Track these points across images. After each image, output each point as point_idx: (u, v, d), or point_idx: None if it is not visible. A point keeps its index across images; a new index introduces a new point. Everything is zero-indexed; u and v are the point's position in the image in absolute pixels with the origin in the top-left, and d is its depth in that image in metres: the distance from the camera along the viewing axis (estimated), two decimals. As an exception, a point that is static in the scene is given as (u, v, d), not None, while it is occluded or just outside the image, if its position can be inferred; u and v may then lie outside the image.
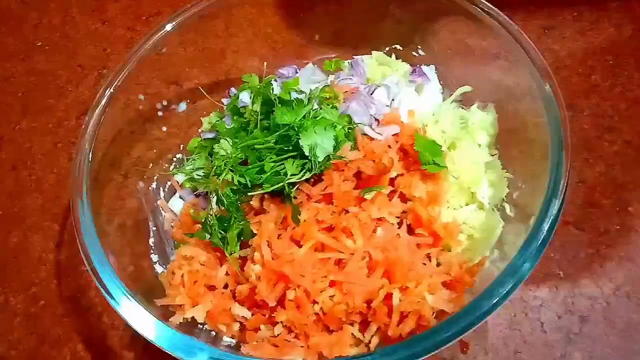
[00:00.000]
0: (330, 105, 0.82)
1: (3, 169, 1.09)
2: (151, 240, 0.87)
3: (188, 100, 0.98)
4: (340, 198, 0.75)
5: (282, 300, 0.72)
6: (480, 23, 0.83)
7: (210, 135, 0.91)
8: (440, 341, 0.60)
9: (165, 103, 0.95)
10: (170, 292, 0.76)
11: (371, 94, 0.88)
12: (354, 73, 0.94)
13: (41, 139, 1.12)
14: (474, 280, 0.72)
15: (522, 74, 0.78)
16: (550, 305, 0.82)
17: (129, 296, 0.69)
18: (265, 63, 0.94)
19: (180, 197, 0.90)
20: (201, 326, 0.77)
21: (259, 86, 0.85)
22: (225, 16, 0.98)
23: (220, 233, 0.76)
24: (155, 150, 0.94)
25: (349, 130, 0.81)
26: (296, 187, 0.76)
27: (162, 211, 0.91)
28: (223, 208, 0.78)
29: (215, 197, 0.80)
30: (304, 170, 0.76)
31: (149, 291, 0.75)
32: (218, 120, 0.92)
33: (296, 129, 0.77)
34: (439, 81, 0.94)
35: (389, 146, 0.80)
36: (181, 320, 0.73)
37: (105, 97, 0.84)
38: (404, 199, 0.79)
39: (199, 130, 0.98)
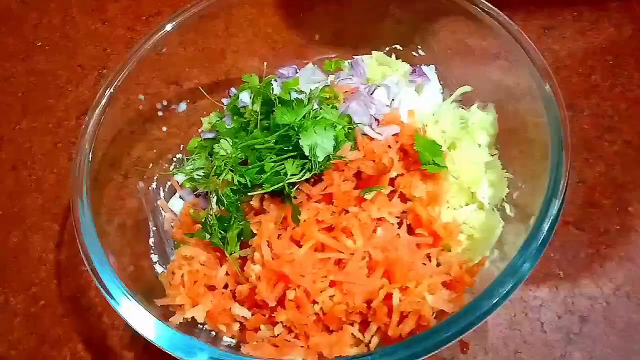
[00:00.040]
0: (330, 105, 0.82)
1: (3, 169, 1.09)
2: (151, 240, 0.87)
3: (188, 100, 0.98)
4: (340, 198, 0.75)
5: (282, 300, 0.72)
6: (480, 23, 0.83)
7: (210, 135, 0.91)
8: (440, 341, 0.60)
9: (165, 103, 0.95)
10: (170, 292, 0.76)
11: (371, 94, 0.88)
12: (354, 73, 0.94)
13: (41, 139, 1.12)
14: (474, 280, 0.72)
15: (522, 74, 0.78)
16: (550, 305, 0.82)
17: (129, 296, 0.69)
18: (265, 63, 0.94)
19: (180, 197, 0.90)
20: (201, 326, 0.77)
21: (259, 86, 0.85)
22: (225, 16, 0.98)
23: (220, 233, 0.76)
24: (155, 150, 0.94)
25: (349, 130, 0.81)
26: (296, 187, 0.76)
27: (162, 211, 0.91)
28: (223, 208, 0.78)
29: (215, 197, 0.80)
30: (304, 170, 0.76)
31: (149, 291, 0.75)
32: (218, 120, 0.92)
33: (296, 129, 0.77)
34: (439, 81, 0.94)
35: (389, 146, 0.80)
36: (181, 320, 0.73)
37: (105, 97, 0.84)
38: (403, 199, 0.79)
39: (199, 130, 0.98)
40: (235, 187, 0.78)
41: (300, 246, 0.73)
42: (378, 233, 0.75)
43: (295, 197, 0.75)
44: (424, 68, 0.94)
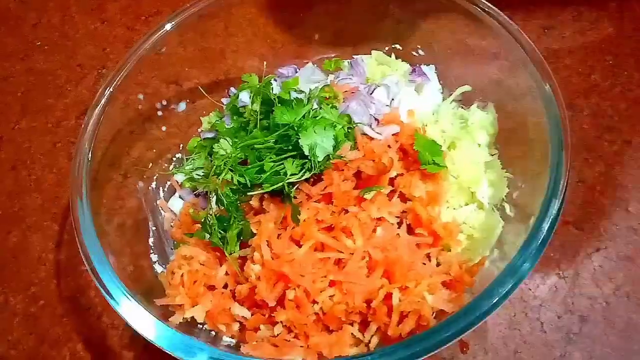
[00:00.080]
0: (330, 105, 0.82)
1: (2, 169, 1.09)
2: (151, 240, 0.87)
3: (187, 100, 0.98)
4: (340, 198, 0.75)
5: (281, 300, 0.72)
6: (480, 23, 0.83)
7: (210, 135, 0.91)
8: (440, 341, 0.60)
9: (164, 103, 0.95)
10: (170, 292, 0.75)
11: (371, 94, 0.88)
12: (354, 72, 0.94)
13: (40, 139, 1.12)
14: (474, 280, 0.72)
15: (522, 74, 0.78)
16: (550, 305, 0.82)
17: (128, 296, 0.69)
18: (264, 62, 0.94)
19: (180, 197, 0.90)
20: (201, 326, 0.77)
21: (258, 86, 0.85)
22: (224, 16, 0.98)
23: (220, 233, 0.76)
24: (154, 150, 0.94)
25: (349, 130, 0.81)
26: (296, 186, 0.76)
27: (162, 211, 0.91)
28: (223, 208, 0.78)
29: (215, 197, 0.80)
30: (304, 170, 0.76)
31: (148, 291, 0.75)
32: (218, 120, 0.92)
33: (296, 128, 0.76)
34: (439, 81, 0.94)
35: (389, 146, 0.80)
36: (181, 320, 0.73)
37: (105, 97, 0.84)
38: (403, 198, 0.79)
39: (199, 130, 0.98)
40: (234, 187, 0.78)
41: (300, 246, 0.73)
42: (378, 233, 0.75)
43: (295, 197, 0.75)
44: (424, 68, 0.94)
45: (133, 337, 0.88)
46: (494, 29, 0.81)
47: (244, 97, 0.88)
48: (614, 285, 0.83)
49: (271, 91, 0.83)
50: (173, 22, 0.91)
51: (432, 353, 0.60)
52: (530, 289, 0.83)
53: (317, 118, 0.79)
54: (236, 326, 0.77)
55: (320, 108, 0.81)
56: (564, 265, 0.85)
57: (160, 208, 0.91)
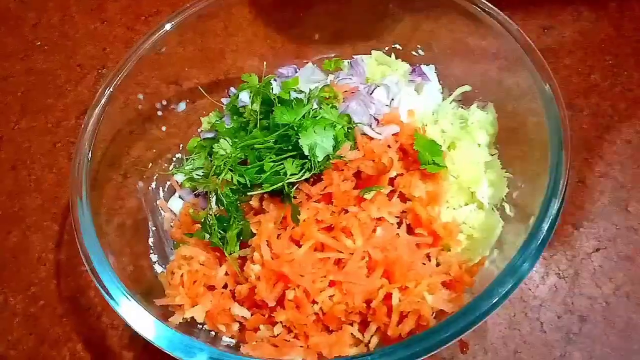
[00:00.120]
0: (330, 105, 0.82)
1: (2, 169, 1.09)
2: (150, 240, 0.87)
3: (187, 100, 0.98)
4: (339, 198, 0.75)
5: (281, 300, 0.72)
6: (480, 23, 0.83)
7: (210, 135, 0.91)
8: (439, 341, 0.60)
9: (164, 103, 0.95)
10: (170, 292, 0.75)
11: (371, 94, 0.88)
12: (354, 72, 0.94)
13: (40, 139, 1.12)
14: (474, 280, 0.72)
15: (522, 74, 0.78)
16: (550, 305, 0.82)
17: (128, 296, 0.69)
18: (264, 62, 0.94)
19: (180, 197, 0.90)
20: (200, 326, 0.77)
21: (258, 86, 0.85)
22: (224, 15, 0.98)
23: (220, 233, 0.76)
24: (154, 150, 0.94)
25: (349, 130, 0.81)
26: (296, 186, 0.76)
27: (162, 211, 0.91)
28: (222, 208, 0.78)
29: (215, 197, 0.80)
30: (304, 170, 0.76)
31: (148, 291, 0.75)
32: (217, 120, 0.92)
33: (296, 128, 0.76)
34: (439, 81, 0.94)
35: (389, 146, 0.80)
36: (180, 320, 0.73)
37: (105, 97, 0.84)
38: (403, 198, 0.79)
39: (199, 130, 0.98)
40: (234, 187, 0.78)
41: (299, 246, 0.73)
42: (377, 233, 0.75)
43: (294, 197, 0.75)
44: (424, 68, 0.94)
45: (133, 337, 0.88)
46: (494, 29, 0.81)
47: (244, 97, 0.88)
48: (613, 285, 0.83)
49: (271, 91, 0.83)
50: (173, 22, 0.91)
51: (432, 353, 0.60)
52: (530, 289, 0.83)
53: (317, 118, 0.79)
54: (236, 326, 0.77)
55: (320, 108, 0.81)
56: (563, 266, 0.85)
57: (160, 208, 0.91)
